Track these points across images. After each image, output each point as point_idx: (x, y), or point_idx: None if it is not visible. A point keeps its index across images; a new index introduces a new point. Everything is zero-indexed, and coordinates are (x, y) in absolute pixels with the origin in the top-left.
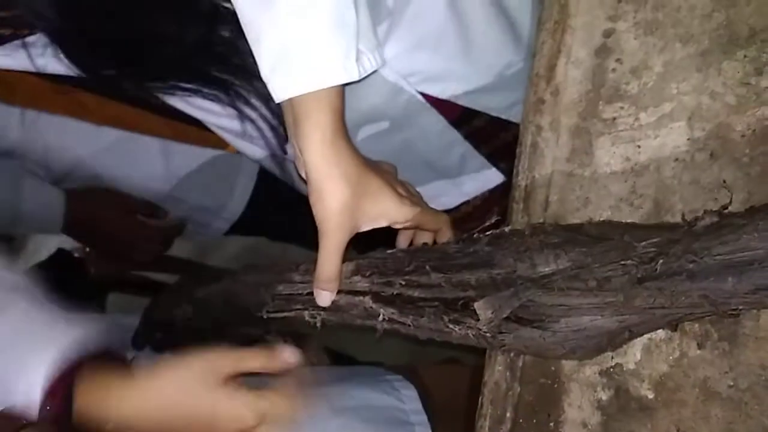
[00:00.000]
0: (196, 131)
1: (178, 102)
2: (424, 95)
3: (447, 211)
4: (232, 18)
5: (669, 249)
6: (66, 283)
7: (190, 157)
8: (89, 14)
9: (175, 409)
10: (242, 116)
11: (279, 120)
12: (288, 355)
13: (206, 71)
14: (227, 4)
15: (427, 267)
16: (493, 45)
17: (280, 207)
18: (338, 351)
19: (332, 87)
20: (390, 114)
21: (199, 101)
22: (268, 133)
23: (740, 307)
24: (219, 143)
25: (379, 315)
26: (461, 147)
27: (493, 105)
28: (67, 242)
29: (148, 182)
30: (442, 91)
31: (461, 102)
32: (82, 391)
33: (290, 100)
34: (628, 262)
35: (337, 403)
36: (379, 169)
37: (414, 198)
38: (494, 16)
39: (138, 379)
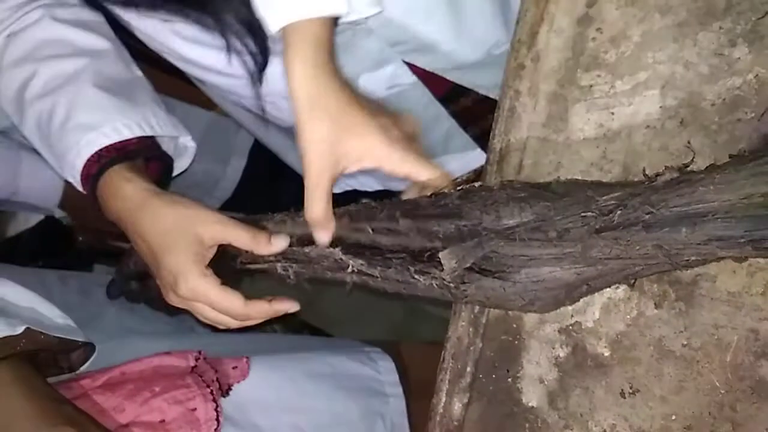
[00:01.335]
0: (186, 86)
1: (158, 32)
2: (411, 66)
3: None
4: None
5: (628, 201)
6: (53, 248)
7: (185, 118)
8: None
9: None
10: (228, 46)
11: (261, 51)
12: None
13: None
14: None
15: (398, 213)
16: (485, 20)
17: (268, 187)
18: (319, 328)
19: (315, 18)
20: (375, 84)
21: (185, 31)
22: (250, 63)
23: (692, 258)
24: (208, 103)
25: (348, 267)
26: (446, 123)
27: (481, 82)
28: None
29: None
30: (430, 63)
31: (448, 76)
32: (106, 179)
33: (281, 32)
34: (588, 213)
35: (314, 369)
36: (372, 108)
37: (412, 146)
38: None
39: (146, 197)
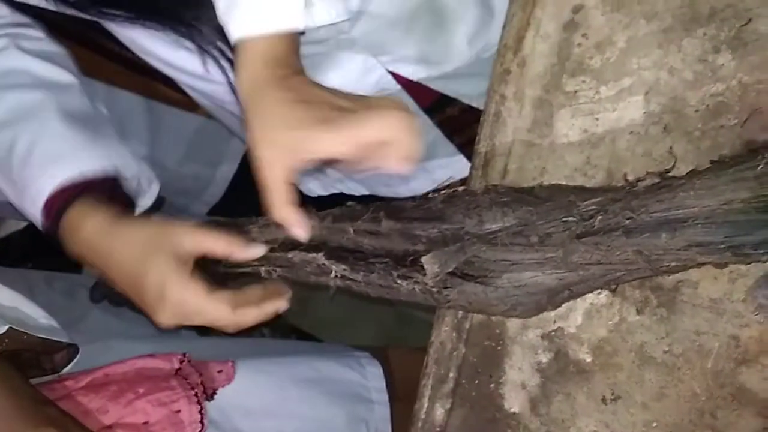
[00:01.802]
0: (170, 91)
1: (141, 37)
2: (395, 76)
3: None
4: None
5: (609, 207)
6: (43, 250)
7: (174, 123)
8: None
9: (123, 267)
10: (203, 53)
11: None
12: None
13: (166, 6)
14: None
15: (381, 214)
16: (468, 29)
17: (257, 192)
18: (309, 332)
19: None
20: (362, 91)
21: (166, 36)
22: (228, 68)
23: (673, 264)
24: (193, 106)
25: (331, 272)
26: (432, 132)
27: (465, 91)
28: None
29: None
30: (414, 72)
31: (433, 86)
32: (71, 213)
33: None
34: (570, 218)
35: (301, 374)
36: (326, 109)
37: (352, 115)
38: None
39: (113, 224)
